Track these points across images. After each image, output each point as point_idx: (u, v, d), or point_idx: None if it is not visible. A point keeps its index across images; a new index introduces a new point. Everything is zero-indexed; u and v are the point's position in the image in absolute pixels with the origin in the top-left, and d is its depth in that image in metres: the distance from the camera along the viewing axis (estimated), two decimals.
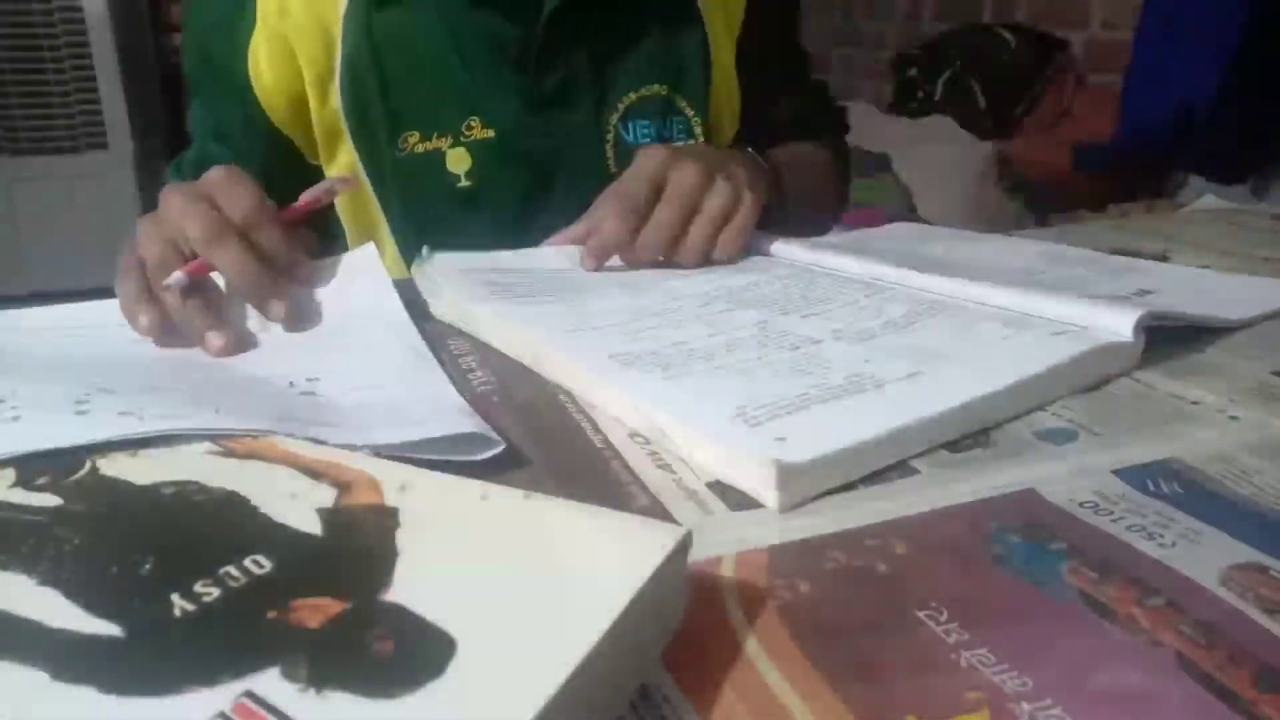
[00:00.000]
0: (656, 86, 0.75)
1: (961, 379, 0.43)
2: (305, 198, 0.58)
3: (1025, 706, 0.25)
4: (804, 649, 0.27)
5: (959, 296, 0.55)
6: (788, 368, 0.44)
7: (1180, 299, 0.56)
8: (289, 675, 0.22)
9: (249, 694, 0.22)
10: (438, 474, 0.33)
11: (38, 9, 2.39)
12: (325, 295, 0.55)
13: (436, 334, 0.54)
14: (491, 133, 0.72)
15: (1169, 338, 0.51)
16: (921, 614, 0.29)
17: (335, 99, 0.72)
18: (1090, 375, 0.46)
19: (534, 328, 0.50)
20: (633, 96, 0.75)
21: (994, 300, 0.53)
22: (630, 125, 0.75)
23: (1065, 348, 0.46)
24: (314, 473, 0.33)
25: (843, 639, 0.28)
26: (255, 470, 0.33)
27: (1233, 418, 0.43)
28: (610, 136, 0.75)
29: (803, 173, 0.82)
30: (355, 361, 0.48)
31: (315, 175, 0.74)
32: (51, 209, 2.51)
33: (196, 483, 0.32)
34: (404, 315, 0.53)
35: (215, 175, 0.52)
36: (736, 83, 0.81)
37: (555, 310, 0.54)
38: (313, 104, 0.72)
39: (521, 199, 0.73)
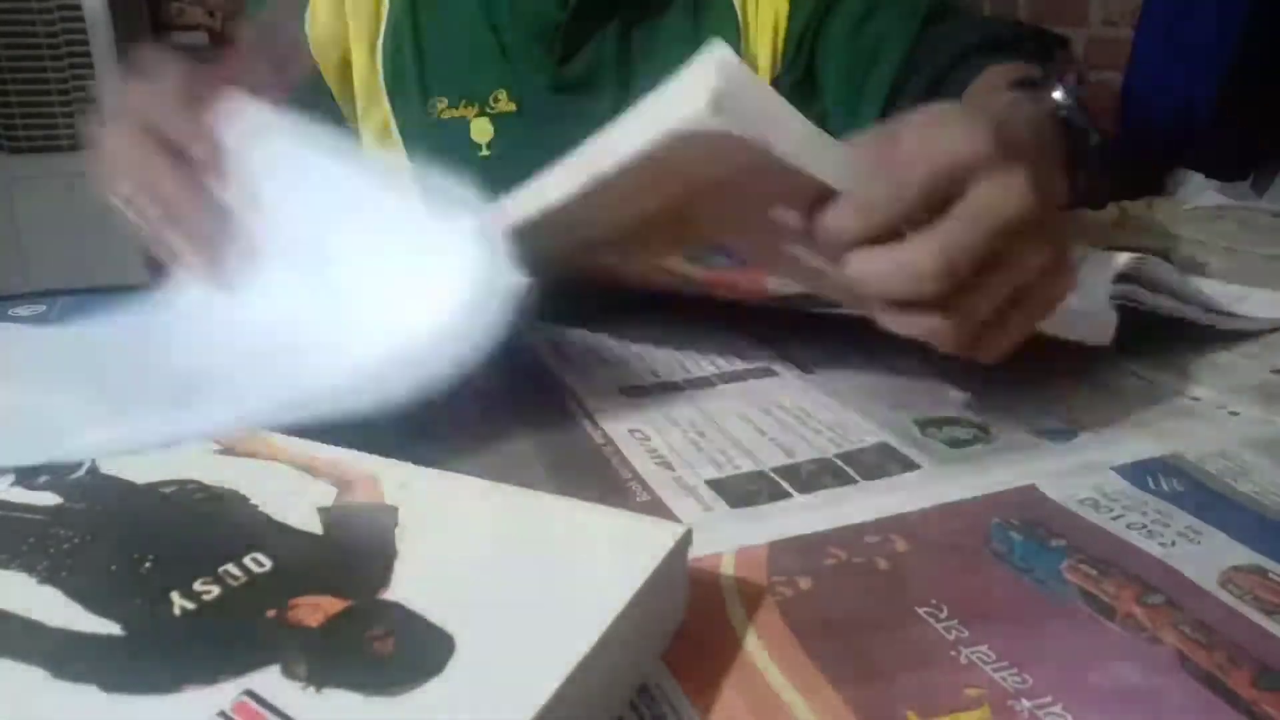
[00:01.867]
0: None
1: None
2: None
3: (1025, 703, 0.25)
4: (804, 646, 0.27)
5: None
6: None
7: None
8: (289, 674, 0.22)
9: (249, 692, 0.22)
10: (438, 472, 0.33)
11: (37, 9, 2.39)
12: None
13: None
14: (514, 107, 0.74)
15: (1170, 334, 0.50)
16: (921, 611, 0.29)
17: (379, 57, 0.74)
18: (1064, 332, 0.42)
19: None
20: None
21: None
22: None
23: None
24: (314, 470, 0.33)
25: (843, 636, 0.28)
26: (255, 468, 0.33)
27: (1233, 414, 0.43)
28: None
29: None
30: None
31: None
32: (51, 209, 2.51)
33: (196, 481, 0.32)
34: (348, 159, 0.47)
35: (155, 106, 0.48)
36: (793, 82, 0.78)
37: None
38: (357, 60, 0.74)
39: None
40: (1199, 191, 1.02)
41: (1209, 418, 0.43)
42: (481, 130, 0.75)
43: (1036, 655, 0.27)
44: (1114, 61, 1.78)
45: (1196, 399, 0.45)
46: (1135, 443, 0.40)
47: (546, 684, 0.22)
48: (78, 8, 2.41)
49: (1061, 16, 2.19)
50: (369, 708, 0.22)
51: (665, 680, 0.26)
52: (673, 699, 0.25)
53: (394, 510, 0.30)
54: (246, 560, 0.27)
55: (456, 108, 0.74)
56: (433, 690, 0.22)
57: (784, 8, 0.78)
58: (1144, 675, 0.26)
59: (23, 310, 0.55)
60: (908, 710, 0.25)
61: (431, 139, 0.75)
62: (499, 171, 0.78)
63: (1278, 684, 0.26)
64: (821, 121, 0.84)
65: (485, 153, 0.75)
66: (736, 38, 0.77)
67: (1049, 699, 0.25)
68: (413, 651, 0.23)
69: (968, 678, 0.26)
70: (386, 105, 0.75)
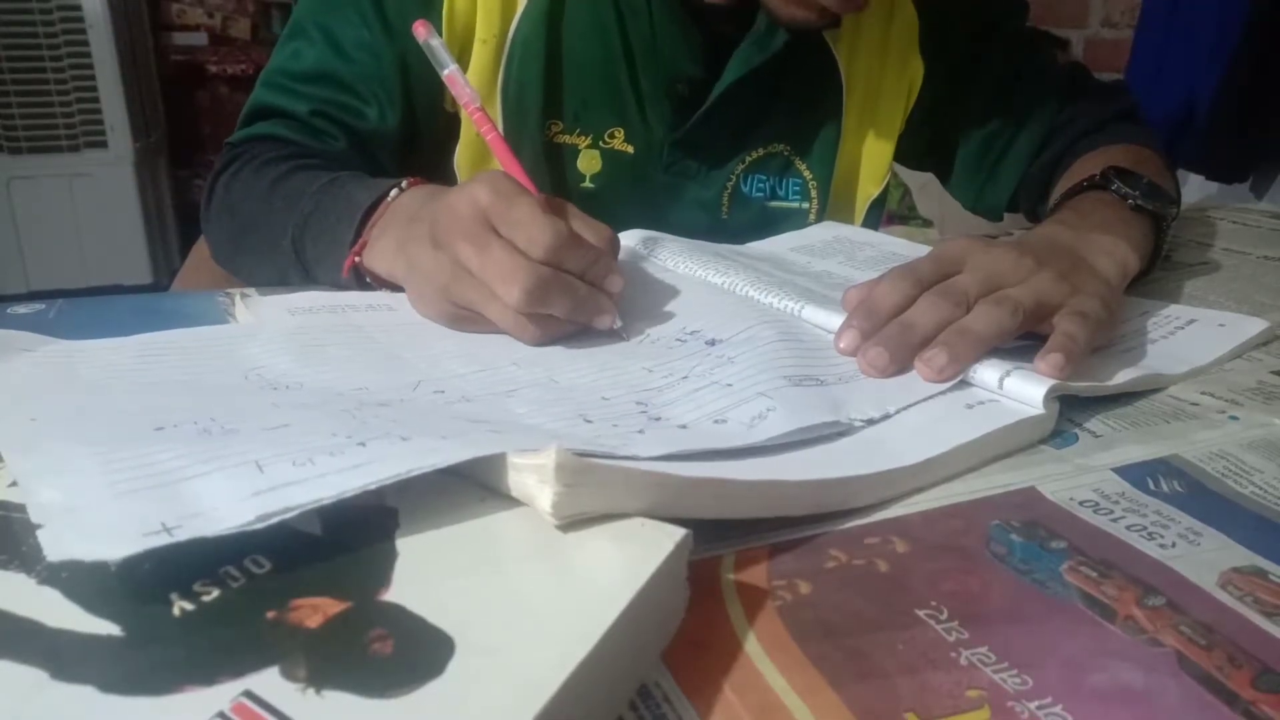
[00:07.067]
0: (780, 145, 0.77)
1: (855, 451, 0.37)
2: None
3: (1025, 705, 0.25)
4: (804, 648, 0.27)
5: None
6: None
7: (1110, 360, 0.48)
8: (288, 675, 0.22)
9: (248, 693, 0.22)
10: (437, 474, 0.33)
11: (37, 9, 2.39)
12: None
13: None
14: (631, 149, 0.74)
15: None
16: (921, 612, 0.29)
17: (499, 66, 0.72)
18: (1001, 449, 0.39)
19: None
20: (759, 152, 0.77)
21: None
22: (749, 178, 0.77)
23: (973, 425, 0.39)
24: None
25: (842, 638, 0.28)
26: None
27: (1233, 418, 0.43)
28: (730, 184, 0.77)
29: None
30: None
31: (448, 121, 0.73)
32: (51, 208, 2.51)
33: None
34: None
35: (493, 204, 0.46)
36: (884, 145, 0.79)
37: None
38: (478, 56, 0.71)
39: (633, 218, 0.72)
40: (1199, 193, 1.02)
41: (1209, 419, 0.43)
42: (589, 162, 0.74)
43: (1037, 657, 0.27)
44: (1114, 64, 1.78)
45: (1196, 403, 0.45)
46: (1135, 444, 0.40)
47: (546, 685, 0.22)
48: (78, 8, 2.41)
49: (1061, 18, 2.19)
50: (368, 709, 0.22)
51: (665, 680, 0.26)
52: (673, 701, 0.25)
53: (394, 512, 0.30)
54: (246, 561, 0.27)
55: (571, 134, 0.73)
56: (433, 691, 0.22)
57: (919, 74, 0.77)
58: (1144, 676, 0.26)
59: (22, 310, 0.55)
60: (908, 712, 0.25)
61: (538, 159, 0.73)
62: (596, 204, 0.77)
63: (1277, 685, 0.26)
64: (943, 181, 0.83)
65: (588, 184, 0.74)
66: (836, 111, 0.77)
67: (1049, 700, 0.25)
68: (412, 653, 0.23)
69: (968, 679, 0.26)
70: (499, 113, 0.72)
